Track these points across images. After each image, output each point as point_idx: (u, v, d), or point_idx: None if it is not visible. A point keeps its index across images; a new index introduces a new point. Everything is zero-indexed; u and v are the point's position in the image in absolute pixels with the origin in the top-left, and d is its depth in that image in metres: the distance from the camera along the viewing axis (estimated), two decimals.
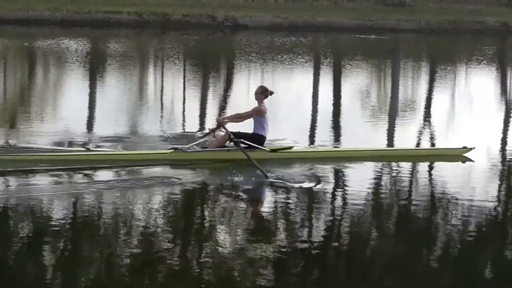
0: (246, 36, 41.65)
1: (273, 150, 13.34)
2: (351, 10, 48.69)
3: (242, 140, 13.00)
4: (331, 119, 18.56)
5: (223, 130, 13.32)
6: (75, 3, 44.10)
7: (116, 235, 9.63)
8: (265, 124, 13.35)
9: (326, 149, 14.25)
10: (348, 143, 15.29)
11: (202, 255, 8.99)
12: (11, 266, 8.60)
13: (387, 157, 13.81)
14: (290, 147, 13.70)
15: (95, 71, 26.73)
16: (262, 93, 13.56)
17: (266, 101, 13.68)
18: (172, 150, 13.18)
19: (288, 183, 11.82)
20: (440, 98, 23.24)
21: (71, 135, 15.12)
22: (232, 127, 13.52)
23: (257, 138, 13.29)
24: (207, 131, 13.68)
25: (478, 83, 27.12)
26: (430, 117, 19.57)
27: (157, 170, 12.57)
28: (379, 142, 15.63)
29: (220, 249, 9.19)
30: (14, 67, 28.57)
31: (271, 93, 13.67)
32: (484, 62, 33.47)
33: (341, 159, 13.48)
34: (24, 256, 8.84)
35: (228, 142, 13.17)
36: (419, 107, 21.32)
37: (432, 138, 16.84)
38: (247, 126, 13.70)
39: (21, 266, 8.56)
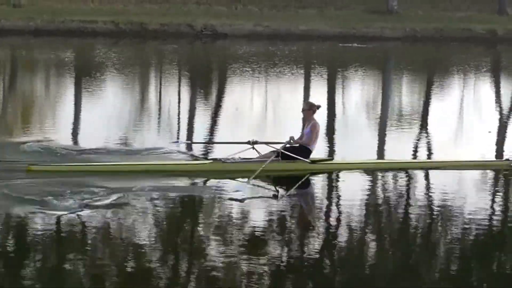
0: (225, 44, 40.84)
1: (313, 162, 13.54)
2: (336, 18, 47.60)
3: (284, 151, 13.38)
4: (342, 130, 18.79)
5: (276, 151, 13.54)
6: (49, 13, 43.13)
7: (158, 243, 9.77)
8: (316, 139, 13.65)
9: (366, 161, 14.37)
10: (383, 154, 15.81)
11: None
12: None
13: (423, 168, 14.09)
14: (331, 159, 14.13)
15: (73, 81, 26.41)
16: (310, 108, 13.81)
17: None
18: (211, 161, 13.47)
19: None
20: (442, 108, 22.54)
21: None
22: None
23: (304, 150, 13.55)
24: (248, 145, 13.58)
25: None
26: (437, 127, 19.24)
27: (197, 181, 12.78)
28: (411, 154, 15.89)
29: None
30: None
31: (318, 107, 13.94)
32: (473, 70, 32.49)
33: (381, 170, 13.79)
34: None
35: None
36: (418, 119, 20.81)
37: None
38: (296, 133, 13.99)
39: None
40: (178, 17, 44.64)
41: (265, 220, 10.96)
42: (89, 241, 9.87)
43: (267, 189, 12.81)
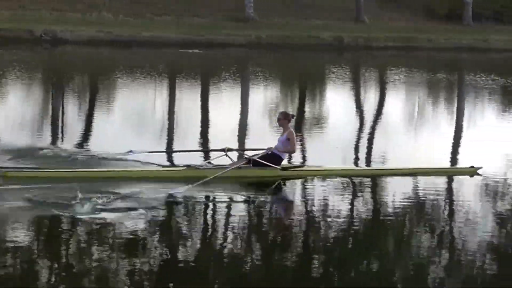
0: (65, 51, 40.52)
1: (284, 169, 13.74)
2: (189, 26, 47.55)
3: (254, 158, 13.65)
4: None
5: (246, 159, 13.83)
6: None
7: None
8: (293, 146, 13.84)
9: (336, 168, 14.50)
10: (350, 162, 15.88)
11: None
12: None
13: (392, 175, 14.20)
14: (301, 166, 14.27)
15: None
16: (285, 118, 14.00)
17: None
18: (185, 168, 13.50)
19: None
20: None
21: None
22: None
23: (276, 158, 13.76)
24: (222, 152, 13.99)
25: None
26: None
27: (173, 186, 12.47)
28: (380, 161, 16.04)
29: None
30: None
31: (293, 116, 14.24)
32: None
33: (347, 176, 13.90)
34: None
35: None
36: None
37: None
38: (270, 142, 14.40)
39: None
40: (25, 23, 44.15)
41: (236, 225, 11.01)
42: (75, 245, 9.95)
43: (239, 194, 12.70)
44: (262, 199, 12.46)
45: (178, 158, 14.79)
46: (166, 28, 46.13)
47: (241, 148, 14.65)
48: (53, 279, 8.79)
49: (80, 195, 11.33)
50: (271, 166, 13.57)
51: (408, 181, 13.86)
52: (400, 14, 54.56)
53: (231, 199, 12.44)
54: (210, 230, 10.90)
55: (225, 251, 9.95)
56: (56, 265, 9.21)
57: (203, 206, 12.11)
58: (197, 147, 16.20)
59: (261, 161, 13.61)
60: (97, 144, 16.19)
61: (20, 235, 10.10)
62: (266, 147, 13.94)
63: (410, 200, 12.73)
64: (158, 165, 14.17)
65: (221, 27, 47.29)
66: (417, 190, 13.37)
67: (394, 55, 45.08)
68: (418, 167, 14.52)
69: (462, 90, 30.65)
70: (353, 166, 15.24)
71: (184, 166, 13.64)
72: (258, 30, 47.33)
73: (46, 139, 17.00)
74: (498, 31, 51.87)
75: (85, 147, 16.09)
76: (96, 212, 10.94)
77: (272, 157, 13.74)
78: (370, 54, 45.45)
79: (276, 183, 13.40)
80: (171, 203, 11.82)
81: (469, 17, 54.39)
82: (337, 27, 49.07)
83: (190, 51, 41.42)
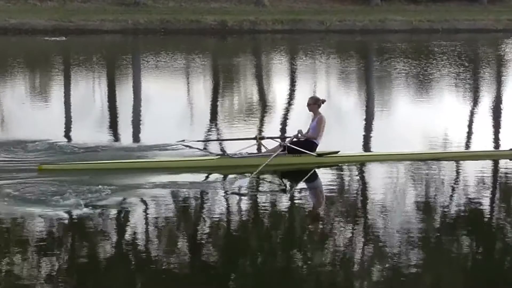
0: None
1: (319, 155, 13.62)
2: (71, 11, 45.02)
3: (290, 145, 13.52)
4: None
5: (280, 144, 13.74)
6: None
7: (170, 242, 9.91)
8: (321, 132, 13.67)
9: (372, 153, 14.72)
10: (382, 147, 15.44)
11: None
12: None
13: (431, 159, 14.19)
14: (337, 152, 13.84)
15: None
16: (315, 103, 13.80)
17: None
18: (219, 157, 13.56)
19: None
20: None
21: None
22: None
23: (310, 144, 13.64)
24: (254, 140, 13.95)
25: None
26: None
27: (205, 177, 12.89)
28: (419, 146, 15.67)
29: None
30: None
31: (323, 101, 13.97)
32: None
33: (386, 161, 13.83)
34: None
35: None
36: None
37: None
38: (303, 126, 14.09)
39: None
40: None
41: (274, 215, 11.05)
42: (100, 240, 10.00)
43: (274, 183, 12.92)
44: (297, 187, 12.75)
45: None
46: (39, 13, 43.61)
47: (273, 136, 14.38)
48: (114, 261, 9.17)
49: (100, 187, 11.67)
50: (307, 153, 13.48)
51: (447, 166, 13.85)
52: None
53: (264, 188, 12.56)
54: (241, 218, 10.96)
55: (255, 240, 10.00)
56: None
57: (236, 196, 12.00)
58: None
59: (296, 148, 13.50)
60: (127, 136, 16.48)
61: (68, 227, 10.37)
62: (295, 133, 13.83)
63: (450, 185, 12.73)
64: (189, 155, 14.13)
65: (108, 13, 44.65)
66: (457, 174, 13.52)
67: (279, 39, 42.51)
68: (456, 151, 14.90)
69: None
70: (390, 151, 14.78)
71: (217, 155, 13.71)
72: (145, 15, 44.70)
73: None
74: (407, 11, 49.16)
75: (116, 139, 16.23)
76: (126, 203, 11.30)
77: (307, 143, 13.62)
78: (256, 38, 42.92)
79: (312, 171, 13.31)
80: (201, 193, 12.01)
81: None
82: (229, 11, 46.57)
83: (55, 38, 38.95)
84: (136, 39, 41.67)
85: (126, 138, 16.70)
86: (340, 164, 13.69)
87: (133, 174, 12.85)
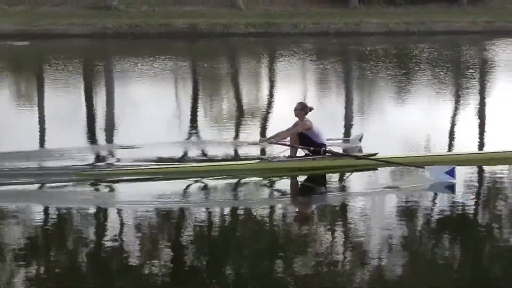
0: None
1: (358, 158, 13.57)
2: (39, 16, 44.11)
3: (324, 149, 13.46)
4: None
5: (281, 144, 13.74)
6: None
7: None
8: (320, 135, 13.64)
9: (411, 155, 14.36)
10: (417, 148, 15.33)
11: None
12: None
13: (478, 161, 14.11)
14: (375, 154, 13.73)
15: None
16: (302, 109, 13.78)
17: None
18: (258, 161, 13.64)
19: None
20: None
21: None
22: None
23: (322, 147, 13.57)
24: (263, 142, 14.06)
25: None
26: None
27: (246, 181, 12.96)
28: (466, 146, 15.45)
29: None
30: None
31: (311, 109, 13.91)
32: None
33: (426, 163, 13.36)
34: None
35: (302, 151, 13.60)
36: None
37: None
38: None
39: None
40: None
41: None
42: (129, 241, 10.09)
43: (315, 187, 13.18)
44: (339, 192, 12.62)
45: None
46: (8, 18, 42.79)
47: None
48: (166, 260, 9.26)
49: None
50: (346, 155, 13.59)
51: (481, 168, 13.64)
52: None
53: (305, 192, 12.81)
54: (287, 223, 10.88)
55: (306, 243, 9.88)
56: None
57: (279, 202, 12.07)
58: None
59: (338, 152, 13.70)
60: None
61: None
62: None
63: (486, 191, 12.49)
64: (229, 159, 14.24)
65: (69, 17, 43.69)
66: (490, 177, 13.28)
67: (251, 42, 41.62)
68: (490, 151, 14.50)
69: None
70: (426, 153, 14.77)
71: (257, 159, 13.79)
72: (114, 19, 43.79)
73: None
74: (385, 13, 48.27)
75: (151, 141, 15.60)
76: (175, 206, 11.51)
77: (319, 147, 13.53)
78: (228, 41, 42.03)
79: (349, 174, 13.23)
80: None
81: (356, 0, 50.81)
82: (202, 14, 45.63)
83: (16, 43, 38.10)
84: (103, 43, 40.80)
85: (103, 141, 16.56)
86: (378, 167, 13.62)
87: (175, 178, 13.02)
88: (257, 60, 34.01)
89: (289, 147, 13.84)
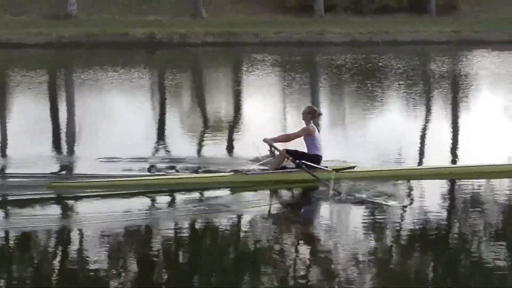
0: None
1: (337, 170, 13.12)
2: (5, 24, 43.18)
3: (303, 161, 12.99)
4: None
5: (276, 151, 13.20)
6: None
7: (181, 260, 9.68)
8: (317, 144, 13.27)
9: (390, 168, 13.97)
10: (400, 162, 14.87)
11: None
12: None
13: (452, 174, 13.68)
14: (353, 167, 13.42)
15: None
16: (310, 113, 13.38)
17: None
18: (233, 173, 13.20)
19: (369, 199, 11.89)
20: None
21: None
22: (284, 145, 13.40)
23: (314, 158, 13.17)
24: (267, 153, 13.43)
25: None
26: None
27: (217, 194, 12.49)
28: (440, 160, 14.91)
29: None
30: None
31: (319, 114, 13.66)
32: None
33: (403, 178, 13.30)
34: None
35: (285, 161, 13.20)
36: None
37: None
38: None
39: None
40: None
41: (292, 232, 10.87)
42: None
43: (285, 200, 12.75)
44: (311, 205, 12.45)
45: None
46: None
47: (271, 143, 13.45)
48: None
49: None
50: (321, 168, 13.04)
51: (470, 182, 13.19)
52: (246, 7, 50.09)
53: (281, 205, 12.43)
54: (260, 236, 10.58)
55: (274, 255, 9.68)
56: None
57: (252, 214, 11.60)
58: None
59: (312, 165, 13.02)
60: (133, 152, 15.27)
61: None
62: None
63: (470, 204, 12.01)
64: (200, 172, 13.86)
65: (26, 26, 42.72)
66: (481, 191, 12.87)
67: (210, 52, 40.73)
68: (480, 164, 13.83)
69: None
70: (407, 166, 14.36)
71: (231, 171, 13.33)
72: (72, 28, 42.82)
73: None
74: (351, 23, 47.42)
75: (122, 155, 15.00)
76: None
77: (310, 157, 13.12)
78: (187, 51, 41.13)
79: (331, 187, 12.34)
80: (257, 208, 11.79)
81: (321, 8, 49.95)
82: (164, 23, 44.74)
83: None
84: (58, 53, 39.84)
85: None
86: (356, 180, 13.01)
87: (150, 191, 12.62)
88: (204, 70, 33.10)
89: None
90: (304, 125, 13.34)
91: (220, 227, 10.89)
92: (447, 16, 50.93)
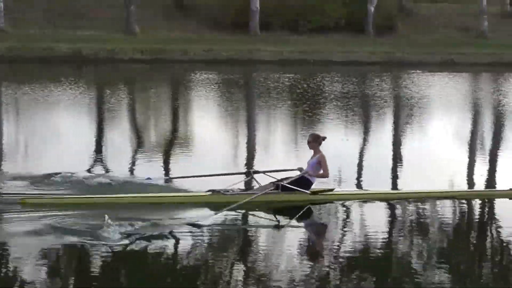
0: None
1: (313, 193, 13.18)
2: None
3: (283, 183, 13.07)
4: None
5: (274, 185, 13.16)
6: None
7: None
8: (323, 171, 13.26)
9: (368, 192, 13.90)
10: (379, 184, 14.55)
11: None
12: None
13: (431, 198, 13.56)
14: (331, 189, 13.44)
15: None
16: (315, 140, 13.42)
17: None
18: (210, 193, 13.05)
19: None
20: None
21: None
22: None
23: (306, 182, 13.19)
24: (247, 176, 13.65)
25: None
26: None
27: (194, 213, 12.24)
28: (416, 184, 14.71)
29: None
30: None
31: (324, 138, 13.56)
32: None
33: (382, 200, 13.36)
34: None
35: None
36: None
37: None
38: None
39: None
40: None
41: (267, 250, 10.70)
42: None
43: (267, 219, 12.52)
44: (290, 224, 12.23)
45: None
46: None
47: (267, 170, 13.62)
48: None
49: (109, 221, 10.89)
50: (300, 191, 13.03)
51: (444, 204, 13.27)
52: (182, 24, 49.54)
53: (258, 224, 12.25)
54: (236, 256, 10.52)
55: (251, 276, 9.59)
56: None
57: (230, 232, 11.58)
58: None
59: (290, 186, 13.06)
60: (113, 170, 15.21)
61: (40, 264, 9.79)
62: (295, 168, 13.56)
63: (447, 225, 12.15)
64: (181, 190, 13.47)
65: None
66: (454, 214, 12.90)
67: (137, 69, 40.06)
68: (454, 190, 14.23)
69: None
70: (386, 189, 14.25)
71: (208, 191, 13.08)
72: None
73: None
74: (286, 41, 47.02)
75: (99, 172, 14.96)
76: (122, 239, 10.67)
77: (302, 181, 13.16)
78: (115, 67, 40.43)
79: (305, 208, 12.78)
80: (196, 229, 11.33)
81: (256, 26, 49.53)
82: (93, 39, 43.93)
83: None
84: None
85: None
86: (334, 202, 13.17)
87: (121, 210, 12.11)
88: (121, 88, 32.40)
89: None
90: (317, 154, 13.31)
91: (158, 249, 10.52)
92: (384, 37, 50.76)
